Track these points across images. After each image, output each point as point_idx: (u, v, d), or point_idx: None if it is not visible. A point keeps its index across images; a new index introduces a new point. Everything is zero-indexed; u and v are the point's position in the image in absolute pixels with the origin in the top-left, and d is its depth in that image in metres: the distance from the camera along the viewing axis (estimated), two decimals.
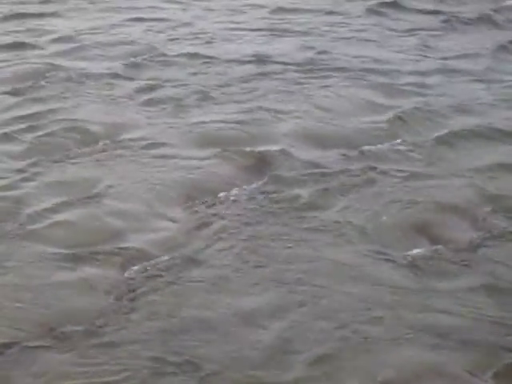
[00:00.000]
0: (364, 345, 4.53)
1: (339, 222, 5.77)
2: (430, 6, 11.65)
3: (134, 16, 11.10)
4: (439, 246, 5.46)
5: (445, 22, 10.96)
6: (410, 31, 10.47)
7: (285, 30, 10.42)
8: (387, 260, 5.33)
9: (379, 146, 7.03)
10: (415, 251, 5.41)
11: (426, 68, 9.12)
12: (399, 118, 7.58)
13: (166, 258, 5.24)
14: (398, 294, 4.97)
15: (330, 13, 11.29)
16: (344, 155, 6.81)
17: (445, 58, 9.46)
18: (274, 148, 6.86)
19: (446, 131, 7.36)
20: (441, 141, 7.17)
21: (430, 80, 8.73)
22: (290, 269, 5.19)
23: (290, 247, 5.44)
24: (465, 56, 9.61)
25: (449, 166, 6.74)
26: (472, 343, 4.56)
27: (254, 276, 5.10)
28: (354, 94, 8.17)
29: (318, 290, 4.99)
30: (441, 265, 5.27)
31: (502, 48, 9.82)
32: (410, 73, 8.94)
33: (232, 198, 6.06)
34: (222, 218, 5.77)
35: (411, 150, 6.98)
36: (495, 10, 11.46)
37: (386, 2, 11.64)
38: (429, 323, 4.72)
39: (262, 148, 6.86)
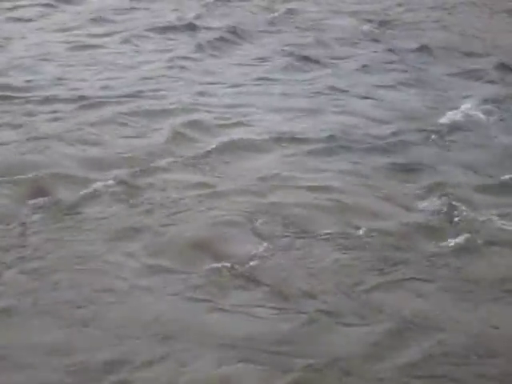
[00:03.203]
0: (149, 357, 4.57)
1: (122, 239, 5.78)
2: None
3: None
4: (223, 262, 5.50)
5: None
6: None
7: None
8: (171, 278, 5.36)
9: (158, 162, 7.00)
10: (200, 268, 5.45)
11: (192, 83, 9.13)
12: (175, 134, 7.56)
13: None
14: (185, 311, 5.03)
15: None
16: (126, 175, 6.75)
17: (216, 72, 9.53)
18: (53, 173, 6.71)
19: (222, 143, 7.42)
20: (218, 153, 7.24)
21: (199, 95, 8.76)
22: (69, 292, 5.17)
23: (70, 270, 5.41)
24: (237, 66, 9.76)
25: (227, 178, 6.82)
26: (260, 357, 4.65)
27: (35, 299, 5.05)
28: (127, 117, 8.05)
29: (103, 310, 5.00)
30: (226, 280, 5.34)
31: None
32: (180, 90, 8.92)
33: (9, 226, 5.92)
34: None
35: (190, 164, 7.02)
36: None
37: None
38: (218, 339, 4.78)
39: (39, 174, 6.68)
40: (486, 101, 8.53)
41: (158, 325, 4.90)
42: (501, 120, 8.18)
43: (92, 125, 7.75)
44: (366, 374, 4.59)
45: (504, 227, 6.13)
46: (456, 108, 8.35)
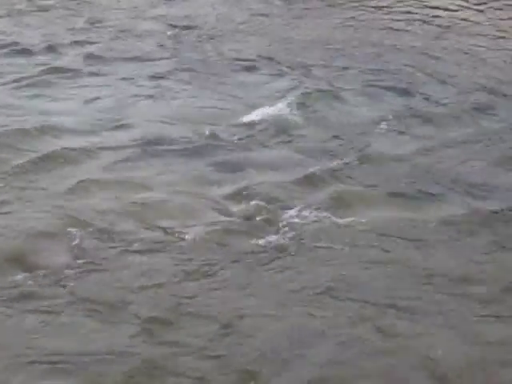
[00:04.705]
0: None
1: None
2: None
3: None
4: (35, 274, 5.46)
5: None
6: None
7: None
8: None
9: None
10: (12, 280, 5.38)
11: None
12: None
13: None
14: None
15: None
16: None
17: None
18: None
19: (30, 157, 7.27)
20: (32, 163, 7.12)
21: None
22: None
23: None
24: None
25: (41, 188, 6.75)
26: (81, 368, 4.68)
27: None
28: None
29: None
30: (39, 292, 5.29)
31: None
32: None
33: None
34: None
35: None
36: None
37: None
38: (34, 353, 4.76)
39: None
40: (292, 100, 8.77)
41: None
42: (307, 117, 8.45)
43: None
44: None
45: (314, 221, 6.37)
46: (262, 108, 8.55)
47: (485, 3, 12.45)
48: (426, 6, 12.37)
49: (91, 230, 6.06)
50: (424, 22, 11.84)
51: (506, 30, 11.47)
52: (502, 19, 11.86)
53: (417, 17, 11.99)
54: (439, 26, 11.69)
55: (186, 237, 6.07)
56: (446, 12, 12.21)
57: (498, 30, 11.43)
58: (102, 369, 4.67)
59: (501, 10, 12.24)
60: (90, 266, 5.63)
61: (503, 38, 11.17)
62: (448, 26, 11.64)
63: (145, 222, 6.26)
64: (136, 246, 5.92)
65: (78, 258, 5.70)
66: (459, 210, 6.65)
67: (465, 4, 12.57)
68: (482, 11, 12.19)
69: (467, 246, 6.15)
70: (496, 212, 6.66)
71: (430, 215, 6.58)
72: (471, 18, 11.92)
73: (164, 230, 6.18)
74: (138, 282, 5.51)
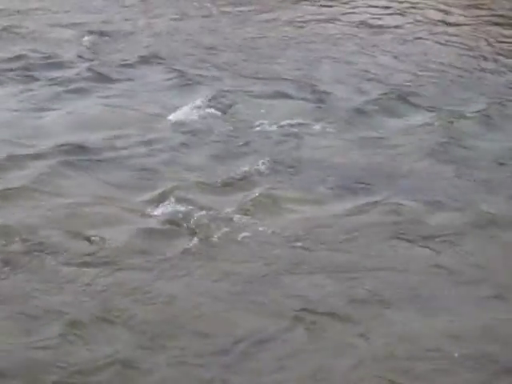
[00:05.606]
0: None
1: None
2: None
3: None
4: None
5: None
6: None
7: None
8: None
9: None
10: None
11: None
12: None
13: None
14: None
15: None
16: None
17: None
18: None
19: None
20: None
21: None
22: None
23: None
24: None
25: None
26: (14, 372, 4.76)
27: None
28: None
29: None
30: None
31: None
32: None
33: None
34: None
35: None
36: None
37: None
38: None
39: None
40: (210, 102, 8.79)
41: None
42: (227, 120, 8.48)
43: None
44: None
45: (236, 224, 6.44)
46: (180, 111, 8.58)
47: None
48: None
49: (15, 239, 6.07)
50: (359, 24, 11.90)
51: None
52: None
53: (352, 20, 12.04)
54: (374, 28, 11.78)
55: (110, 244, 6.09)
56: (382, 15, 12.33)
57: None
58: (25, 375, 4.73)
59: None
60: (14, 274, 5.65)
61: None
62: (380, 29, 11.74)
63: (68, 231, 6.28)
64: (60, 255, 5.93)
65: (2, 267, 5.70)
66: (373, 205, 6.85)
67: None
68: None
69: (381, 240, 6.37)
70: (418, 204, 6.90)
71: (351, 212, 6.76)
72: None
73: (87, 237, 6.20)
74: (63, 289, 5.55)
